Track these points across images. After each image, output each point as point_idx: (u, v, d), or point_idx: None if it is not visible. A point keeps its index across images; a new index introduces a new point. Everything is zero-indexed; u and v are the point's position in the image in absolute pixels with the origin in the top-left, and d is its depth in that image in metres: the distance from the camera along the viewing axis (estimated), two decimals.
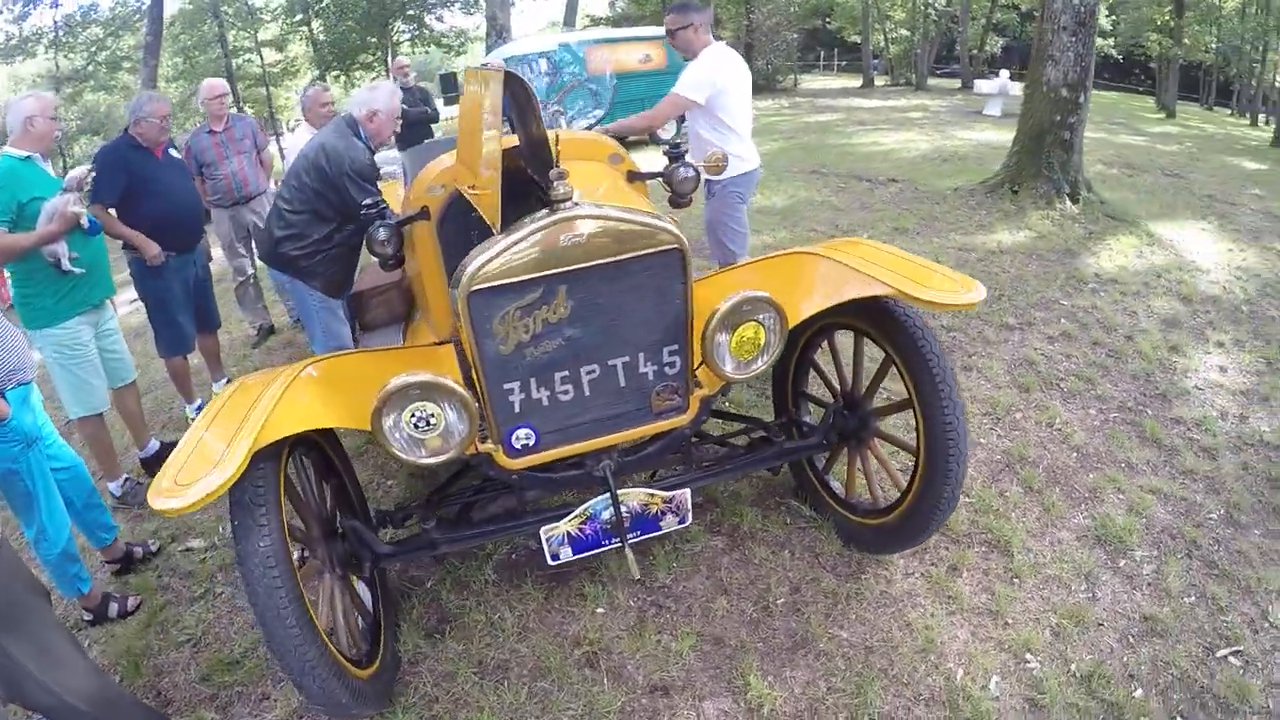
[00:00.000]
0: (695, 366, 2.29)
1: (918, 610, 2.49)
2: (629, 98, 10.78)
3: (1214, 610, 2.54)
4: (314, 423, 1.95)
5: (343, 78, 24.68)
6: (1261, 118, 25.13)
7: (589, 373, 2.14)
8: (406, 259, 2.78)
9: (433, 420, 1.94)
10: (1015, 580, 2.65)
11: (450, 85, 12.56)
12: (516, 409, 2.12)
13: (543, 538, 2.24)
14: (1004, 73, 17.22)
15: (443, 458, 2.00)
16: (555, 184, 1.93)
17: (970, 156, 9.88)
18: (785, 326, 2.23)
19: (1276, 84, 27.52)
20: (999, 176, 6.95)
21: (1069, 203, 6.38)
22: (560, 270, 1.98)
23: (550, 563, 2.30)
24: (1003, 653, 2.34)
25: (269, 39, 25.14)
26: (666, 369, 2.23)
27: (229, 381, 3.44)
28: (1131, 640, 2.40)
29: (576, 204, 1.96)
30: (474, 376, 2.08)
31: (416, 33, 24.77)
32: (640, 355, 2.18)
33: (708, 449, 3.04)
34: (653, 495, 2.31)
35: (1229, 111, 28.96)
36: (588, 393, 2.16)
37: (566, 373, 2.12)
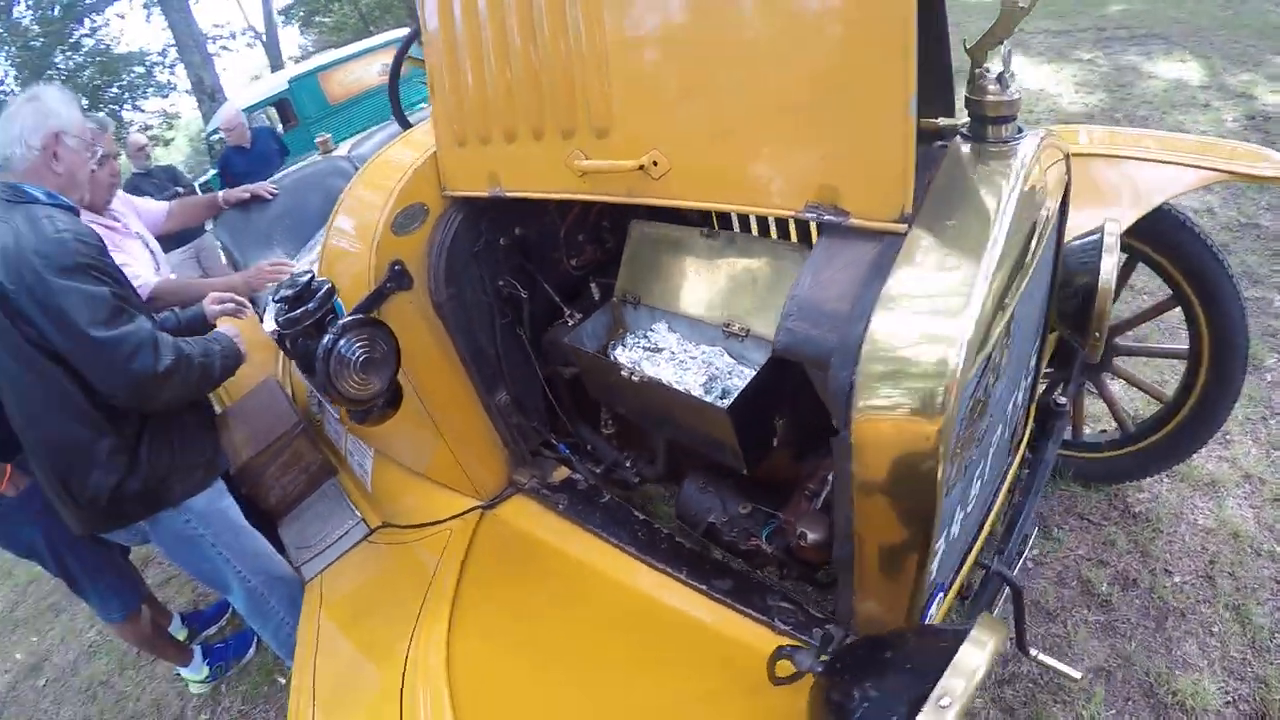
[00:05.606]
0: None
1: (1201, 512, 2.06)
2: (383, 116, 9.25)
3: None
4: None
5: None
6: None
7: (995, 443, 1.09)
8: None
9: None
10: (1229, 440, 2.28)
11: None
12: (934, 574, 1.01)
13: None
14: None
15: None
16: (1002, 78, 0.85)
17: None
18: None
19: None
20: None
21: None
22: (1028, 275, 0.90)
23: None
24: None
25: None
26: (1028, 378, 1.26)
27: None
28: None
29: (1020, 126, 0.88)
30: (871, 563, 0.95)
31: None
32: (1023, 375, 1.18)
33: None
34: (1021, 562, 1.37)
35: None
36: (987, 475, 1.12)
37: (983, 462, 1.06)
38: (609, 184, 0.99)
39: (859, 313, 0.77)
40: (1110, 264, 1.25)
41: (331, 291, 1.24)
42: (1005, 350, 0.93)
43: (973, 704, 0.72)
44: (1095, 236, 1.30)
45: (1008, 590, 1.23)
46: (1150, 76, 5.47)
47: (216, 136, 7.34)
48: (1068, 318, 1.34)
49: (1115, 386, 2.36)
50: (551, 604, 1.27)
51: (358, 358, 1.21)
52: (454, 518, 1.51)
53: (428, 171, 1.31)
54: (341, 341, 1.18)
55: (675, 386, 1.12)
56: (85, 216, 2.08)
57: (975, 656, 0.69)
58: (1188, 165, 1.57)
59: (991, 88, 0.86)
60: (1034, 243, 0.91)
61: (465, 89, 1.18)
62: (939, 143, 0.91)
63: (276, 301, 1.24)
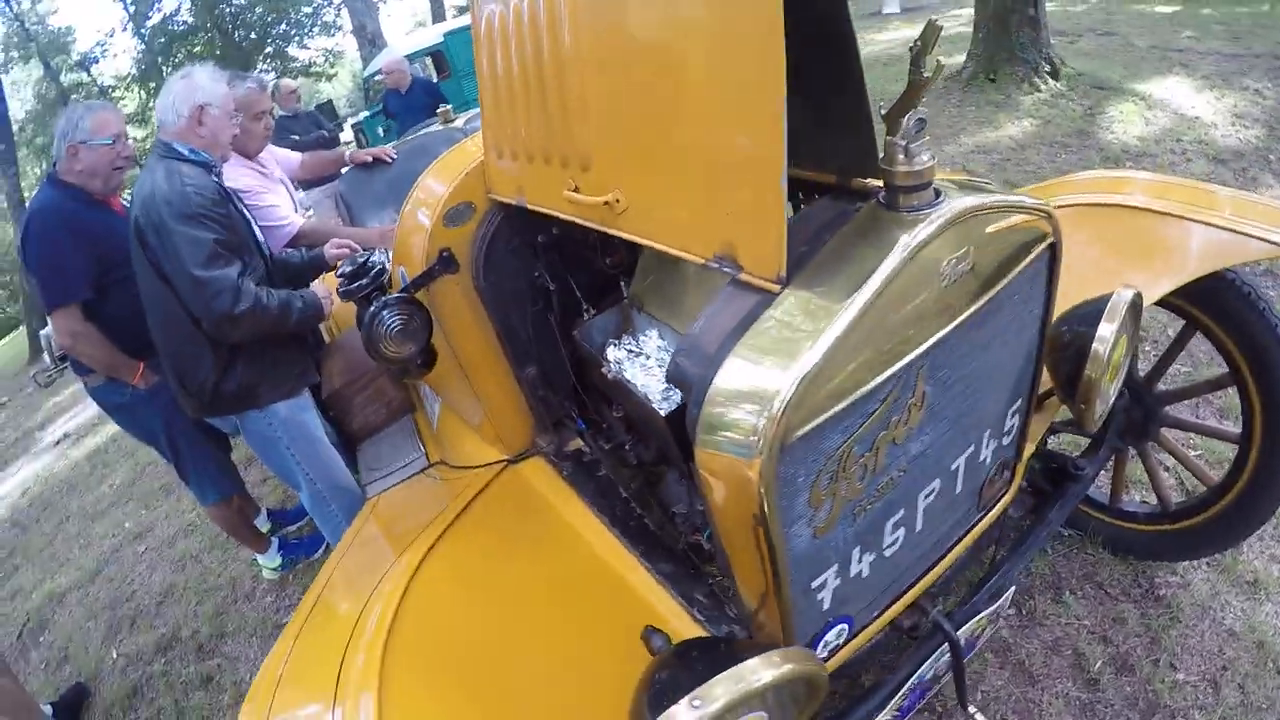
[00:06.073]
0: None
1: (1231, 612, 1.90)
2: None
3: None
4: None
5: None
6: None
7: (928, 495, 1.14)
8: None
9: None
10: None
11: (330, 114, 10.58)
12: (827, 604, 1.09)
13: None
14: None
15: None
16: (909, 149, 0.86)
17: (906, 57, 8.64)
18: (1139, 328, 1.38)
19: None
20: (969, 68, 6.13)
21: (1051, 80, 5.67)
22: (931, 341, 0.94)
23: None
24: None
25: (129, 114, 21.39)
26: (1005, 439, 1.27)
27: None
28: None
29: (939, 192, 0.90)
30: (746, 577, 1.04)
31: (281, 68, 21.60)
32: (985, 435, 1.20)
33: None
34: (980, 620, 1.39)
35: None
36: (920, 526, 1.17)
37: (903, 511, 1.11)
38: (588, 213, 1.12)
39: (719, 357, 0.85)
40: (1108, 332, 1.22)
41: (381, 272, 1.50)
42: (913, 408, 0.97)
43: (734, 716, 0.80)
44: (1102, 301, 1.27)
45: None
46: None
47: (378, 78, 8.05)
48: (1061, 382, 1.33)
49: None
50: (521, 550, 1.44)
51: (394, 327, 1.46)
52: (484, 466, 1.72)
53: (478, 173, 1.50)
54: (384, 312, 1.44)
55: (635, 388, 1.24)
56: (239, 161, 2.48)
57: (748, 675, 0.78)
58: (1252, 235, 1.44)
59: (900, 158, 0.86)
60: (954, 307, 0.95)
61: (502, 106, 1.34)
62: (858, 204, 0.94)
63: (339, 276, 1.50)
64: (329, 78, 22.40)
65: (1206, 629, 1.85)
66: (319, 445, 2.20)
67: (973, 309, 0.96)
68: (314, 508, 2.30)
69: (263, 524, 3.04)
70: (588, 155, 1.09)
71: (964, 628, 1.33)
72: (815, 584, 1.02)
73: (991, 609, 1.40)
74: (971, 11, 6.18)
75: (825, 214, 0.93)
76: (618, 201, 1.02)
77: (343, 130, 11.43)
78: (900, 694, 1.27)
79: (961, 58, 6.36)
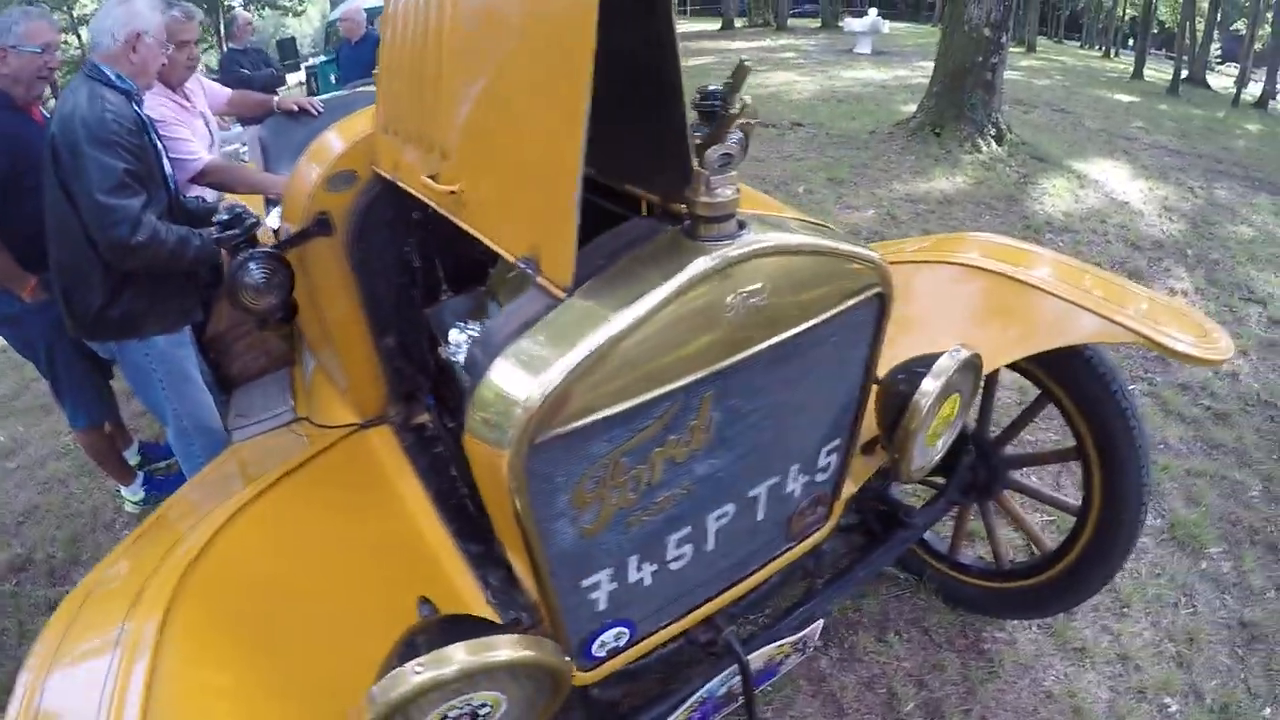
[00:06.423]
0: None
1: (1053, 674, 1.98)
2: None
3: None
4: None
5: None
6: (1113, 50, 24.17)
7: (720, 517, 1.18)
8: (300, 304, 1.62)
9: (485, 713, 0.91)
10: (1125, 612, 2.17)
11: (289, 52, 10.24)
12: (603, 605, 1.12)
13: None
14: (873, 10, 15.44)
15: None
16: (711, 183, 0.89)
17: (864, 97, 9.01)
18: (978, 389, 1.42)
19: (1126, 18, 26.64)
20: (918, 118, 6.32)
21: (994, 144, 5.90)
22: (714, 369, 0.97)
23: None
24: (1145, 703, 1.90)
25: (85, 15, 20.21)
26: (819, 475, 1.32)
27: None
28: (1240, 652, 2.06)
29: (744, 226, 0.94)
30: (518, 565, 1.07)
31: None
32: (793, 469, 1.25)
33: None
34: (781, 646, 1.44)
35: (1079, 44, 27.93)
36: (712, 546, 1.21)
37: (689, 528, 1.14)
38: (438, 199, 1.14)
39: (499, 350, 0.89)
40: (932, 387, 1.25)
41: (254, 225, 1.52)
42: (695, 430, 1.00)
43: (446, 691, 0.83)
44: (936, 357, 1.31)
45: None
46: (1242, 221, 5.15)
47: (339, 24, 7.92)
48: (885, 429, 1.38)
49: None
50: (342, 511, 1.46)
51: (257, 280, 1.47)
52: (339, 427, 1.73)
53: (368, 143, 1.52)
54: (250, 264, 1.46)
55: (460, 371, 1.27)
56: (160, 90, 2.43)
57: (483, 650, 0.82)
58: (1107, 318, 1.49)
59: (702, 189, 0.89)
60: (744, 340, 0.98)
61: (393, 83, 1.35)
62: (665, 228, 0.97)
63: (215, 223, 1.51)
64: (297, 14, 21.67)
65: (1025, 688, 1.91)
66: (190, 384, 2.21)
67: (765, 344, 1.00)
68: (177, 444, 2.29)
69: (133, 456, 2.96)
70: (449, 145, 1.11)
71: (759, 652, 1.37)
72: (586, 584, 1.05)
73: (794, 638, 1.46)
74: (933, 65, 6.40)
75: (632, 233, 0.97)
76: (462, 192, 1.04)
77: (297, 71, 11.13)
78: (686, 706, 1.31)
79: (914, 107, 6.58)
